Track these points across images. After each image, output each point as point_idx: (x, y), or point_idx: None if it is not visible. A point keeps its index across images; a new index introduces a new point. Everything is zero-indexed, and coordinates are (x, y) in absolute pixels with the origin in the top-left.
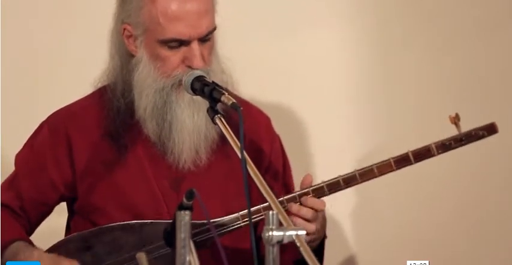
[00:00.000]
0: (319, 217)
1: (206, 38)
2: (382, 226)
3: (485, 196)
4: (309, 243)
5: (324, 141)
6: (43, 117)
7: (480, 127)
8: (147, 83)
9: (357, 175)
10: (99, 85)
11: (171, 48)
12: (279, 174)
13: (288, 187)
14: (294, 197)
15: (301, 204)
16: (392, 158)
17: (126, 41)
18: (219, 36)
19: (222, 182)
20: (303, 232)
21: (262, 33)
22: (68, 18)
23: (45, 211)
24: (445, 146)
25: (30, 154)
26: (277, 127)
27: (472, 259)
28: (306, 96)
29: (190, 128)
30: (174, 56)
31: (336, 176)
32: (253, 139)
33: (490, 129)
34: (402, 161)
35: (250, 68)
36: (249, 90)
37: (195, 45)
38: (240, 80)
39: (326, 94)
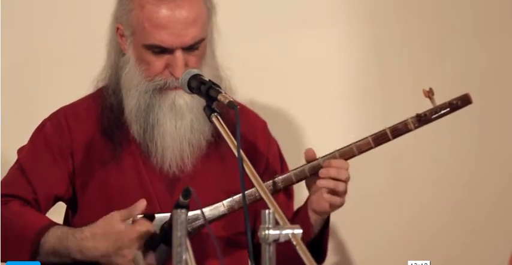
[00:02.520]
0: None
1: (193, 47)
2: (383, 226)
3: (486, 197)
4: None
5: (320, 142)
6: (43, 117)
7: (454, 98)
8: (132, 83)
9: (337, 155)
10: (99, 84)
11: (155, 53)
12: None
13: (286, 191)
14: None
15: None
16: (371, 136)
17: (119, 39)
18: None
19: (217, 185)
20: (299, 231)
21: (259, 34)
22: (67, 18)
23: (52, 205)
24: (421, 119)
25: (36, 150)
26: (274, 128)
27: (473, 260)
28: (303, 97)
29: (172, 133)
30: (158, 62)
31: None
32: (250, 142)
33: (464, 100)
34: (380, 138)
35: (246, 69)
36: (245, 91)
37: (178, 54)
38: (236, 81)
39: (322, 95)
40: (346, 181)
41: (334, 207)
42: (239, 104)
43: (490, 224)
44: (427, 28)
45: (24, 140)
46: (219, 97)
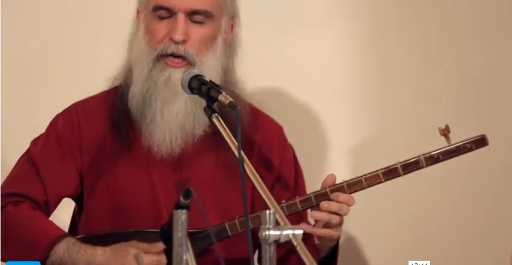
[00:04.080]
0: None
1: (197, 20)
2: (383, 226)
3: (487, 196)
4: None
5: (319, 142)
6: (43, 118)
7: (470, 140)
8: (139, 60)
9: (345, 186)
10: (116, 82)
11: (160, 19)
12: (289, 185)
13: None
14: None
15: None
16: (381, 170)
17: (139, 26)
18: None
19: (224, 192)
20: (300, 232)
21: (256, 35)
22: (67, 18)
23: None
24: (433, 159)
25: (49, 146)
26: None
27: (474, 260)
28: (301, 97)
29: (164, 110)
30: (161, 29)
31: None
32: (264, 150)
33: (480, 142)
34: (391, 173)
35: (244, 70)
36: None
37: (180, 17)
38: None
39: (321, 95)
40: (343, 215)
41: (330, 238)
42: (254, 109)
43: (491, 224)
44: (427, 28)
45: (24, 140)
46: (220, 97)
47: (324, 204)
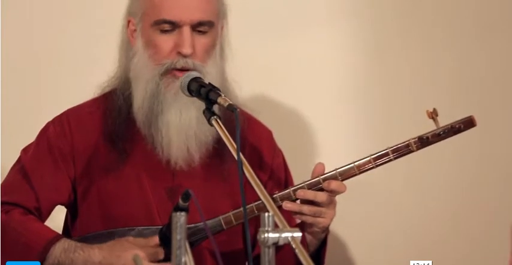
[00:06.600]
0: (334, 202)
1: (201, 30)
2: (385, 227)
3: (488, 197)
4: (320, 233)
5: (319, 141)
6: (43, 118)
7: (457, 121)
8: (141, 73)
9: (337, 174)
10: (107, 89)
11: (163, 32)
12: (280, 187)
13: None
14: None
15: (321, 189)
16: (372, 155)
17: (130, 36)
18: None
19: (215, 201)
20: (299, 234)
21: (259, 34)
22: (67, 18)
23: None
24: (423, 141)
25: (40, 154)
26: (272, 127)
27: (475, 260)
28: (302, 96)
29: (176, 123)
30: (166, 43)
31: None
32: (255, 152)
33: (468, 123)
34: (381, 157)
35: (246, 70)
36: (244, 91)
37: (186, 30)
38: (235, 81)
39: (322, 94)
40: (322, 204)
41: (316, 226)
42: (245, 114)
43: (491, 224)
44: (427, 28)
45: (24, 141)
46: (219, 100)
47: (300, 193)
